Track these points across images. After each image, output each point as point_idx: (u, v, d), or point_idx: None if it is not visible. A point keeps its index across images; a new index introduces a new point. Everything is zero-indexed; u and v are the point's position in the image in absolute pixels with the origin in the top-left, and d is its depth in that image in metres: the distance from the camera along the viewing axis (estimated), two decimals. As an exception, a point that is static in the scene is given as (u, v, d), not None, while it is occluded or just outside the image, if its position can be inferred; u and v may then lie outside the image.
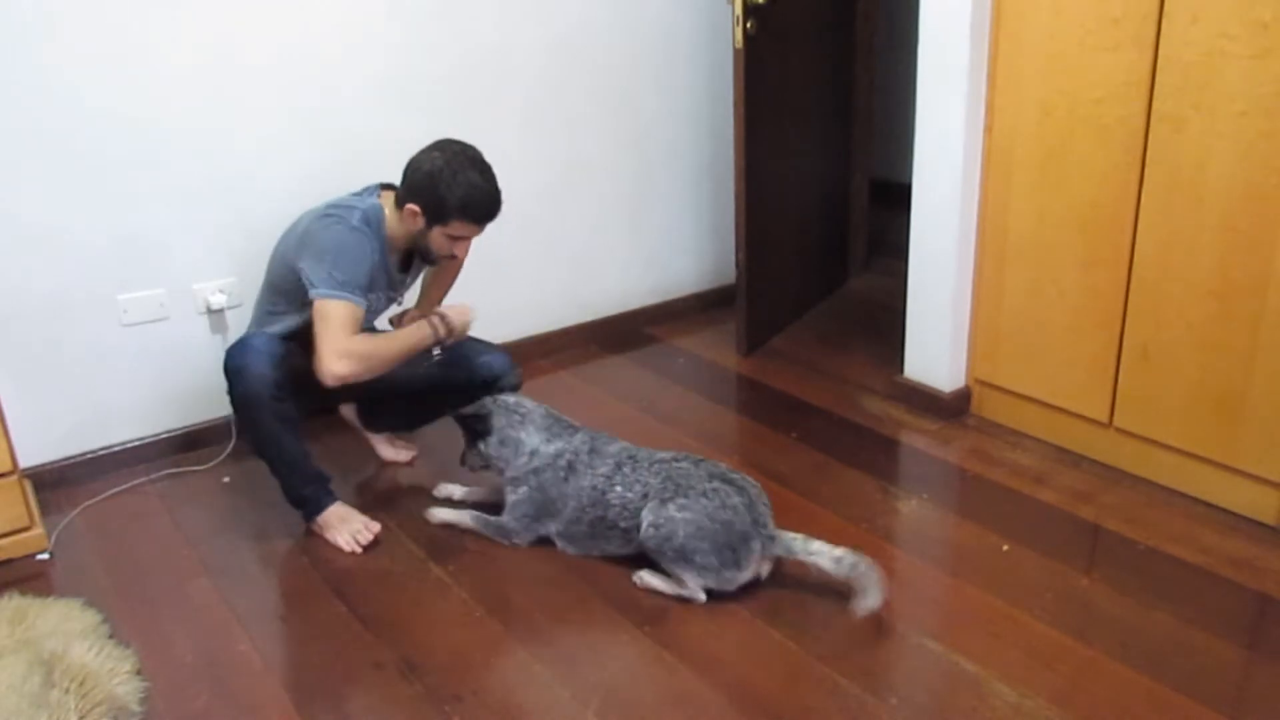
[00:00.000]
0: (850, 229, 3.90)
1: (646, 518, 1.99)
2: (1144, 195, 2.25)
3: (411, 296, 2.56)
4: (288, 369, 2.16)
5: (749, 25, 2.86)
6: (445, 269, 2.53)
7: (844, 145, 3.74)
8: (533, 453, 2.17)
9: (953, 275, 2.67)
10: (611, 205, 3.36)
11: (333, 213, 2.18)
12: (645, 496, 2.02)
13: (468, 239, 2.25)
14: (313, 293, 2.10)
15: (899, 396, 2.90)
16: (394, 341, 2.20)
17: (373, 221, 2.19)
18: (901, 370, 2.92)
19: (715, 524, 1.94)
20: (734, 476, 2.03)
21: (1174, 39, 2.11)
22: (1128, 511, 2.30)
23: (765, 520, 2.00)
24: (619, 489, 2.06)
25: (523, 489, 2.19)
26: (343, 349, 2.08)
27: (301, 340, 2.19)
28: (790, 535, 2.01)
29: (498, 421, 2.20)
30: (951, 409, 2.78)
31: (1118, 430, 2.44)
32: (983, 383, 2.76)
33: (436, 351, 2.31)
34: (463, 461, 2.30)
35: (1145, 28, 2.15)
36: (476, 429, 2.22)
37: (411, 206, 2.18)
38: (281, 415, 2.17)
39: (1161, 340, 2.29)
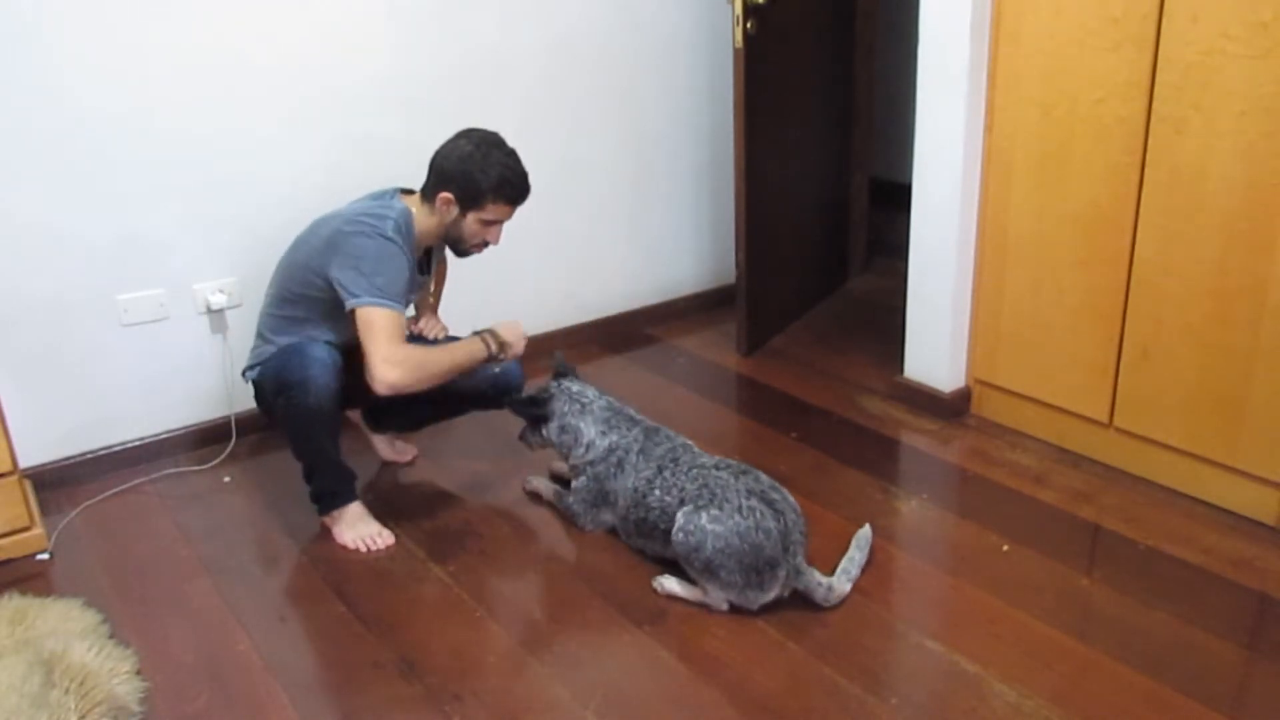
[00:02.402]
0: (850, 229, 3.90)
1: (678, 521, 1.97)
2: (1144, 195, 2.25)
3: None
4: (342, 377, 2.15)
5: (749, 25, 2.86)
6: (436, 271, 2.53)
7: (844, 145, 3.74)
8: (589, 445, 2.19)
9: (953, 275, 2.67)
10: (611, 205, 3.36)
11: (364, 221, 2.14)
12: (681, 501, 2.00)
13: (500, 223, 2.26)
14: (354, 302, 2.07)
15: (899, 396, 2.90)
16: (446, 354, 2.17)
17: (404, 229, 2.17)
18: (901, 370, 2.92)
19: (745, 545, 1.89)
20: (775, 497, 1.96)
21: (1174, 39, 2.11)
22: (1128, 511, 2.30)
23: (796, 550, 1.95)
24: (658, 493, 2.06)
25: (582, 478, 2.23)
26: (397, 356, 2.06)
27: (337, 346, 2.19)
28: (817, 577, 1.97)
29: (559, 407, 2.22)
30: (951, 409, 2.78)
31: (1118, 430, 2.44)
32: (983, 383, 2.76)
33: (496, 368, 2.32)
34: (521, 438, 2.32)
35: (1145, 28, 2.15)
36: (537, 414, 2.24)
37: (445, 195, 2.19)
38: (335, 425, 2.19)
39: (1161, 340, 2.29)
